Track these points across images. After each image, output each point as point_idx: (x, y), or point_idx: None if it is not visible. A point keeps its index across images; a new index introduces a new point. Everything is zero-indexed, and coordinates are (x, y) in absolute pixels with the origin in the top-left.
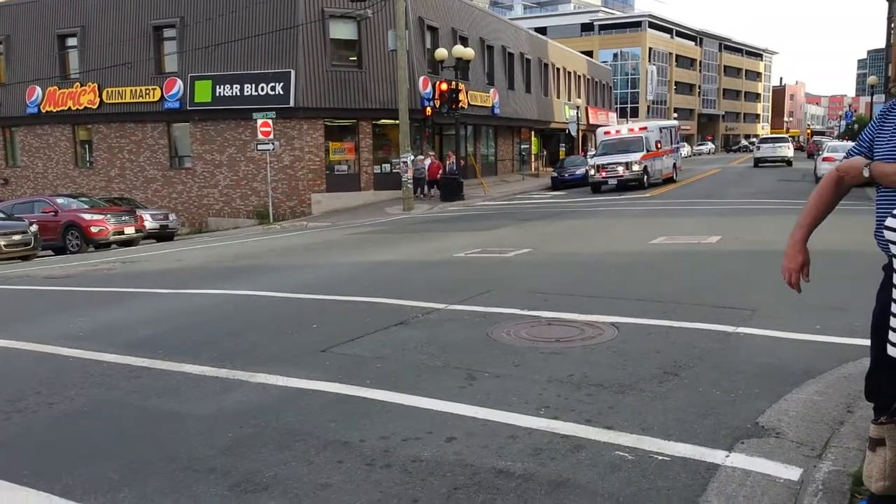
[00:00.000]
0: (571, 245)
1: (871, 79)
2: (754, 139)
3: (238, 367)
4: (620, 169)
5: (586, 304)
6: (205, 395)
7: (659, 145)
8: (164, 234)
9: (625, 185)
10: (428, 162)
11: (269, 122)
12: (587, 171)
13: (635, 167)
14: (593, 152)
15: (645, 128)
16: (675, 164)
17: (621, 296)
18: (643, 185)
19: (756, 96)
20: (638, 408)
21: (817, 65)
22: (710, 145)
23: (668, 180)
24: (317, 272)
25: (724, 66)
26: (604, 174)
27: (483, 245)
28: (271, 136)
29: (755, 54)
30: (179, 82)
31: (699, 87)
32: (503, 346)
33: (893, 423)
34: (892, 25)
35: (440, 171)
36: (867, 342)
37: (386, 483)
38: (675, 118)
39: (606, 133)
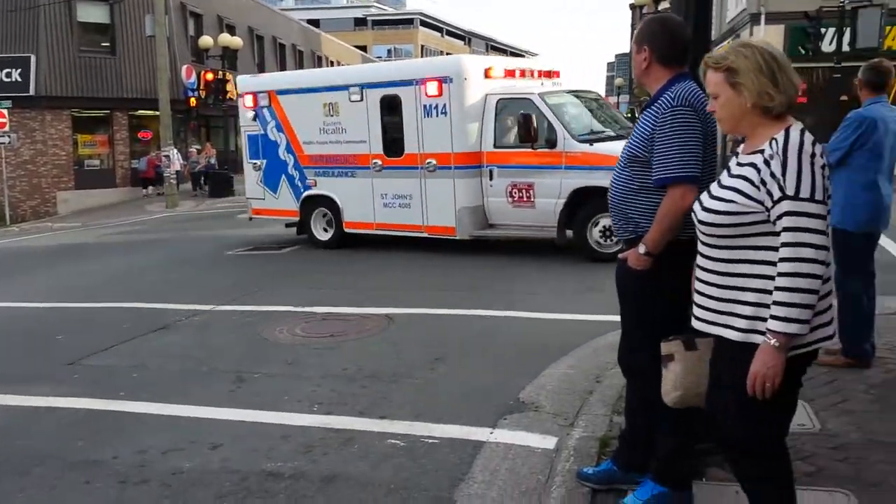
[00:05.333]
0: None
1: (618, 80)
2: None
3: None
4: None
5: (360, 297)
6: None
7: None
8: None
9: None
10: (171, 154)
11: (5, 112)
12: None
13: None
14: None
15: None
16: None
17: (401, 287)
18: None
19: None
20: (411, 395)
21: (574, 66)
22: None
23: None
24: (63, 279)
25: None
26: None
27: (256, 242)
28: (7, 129)
29: (519, 55)
30: None
31: None
32: (275, 346)
33: (678, 340)
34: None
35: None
36: (616, 318)
37: (142, 500)
38: None
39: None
